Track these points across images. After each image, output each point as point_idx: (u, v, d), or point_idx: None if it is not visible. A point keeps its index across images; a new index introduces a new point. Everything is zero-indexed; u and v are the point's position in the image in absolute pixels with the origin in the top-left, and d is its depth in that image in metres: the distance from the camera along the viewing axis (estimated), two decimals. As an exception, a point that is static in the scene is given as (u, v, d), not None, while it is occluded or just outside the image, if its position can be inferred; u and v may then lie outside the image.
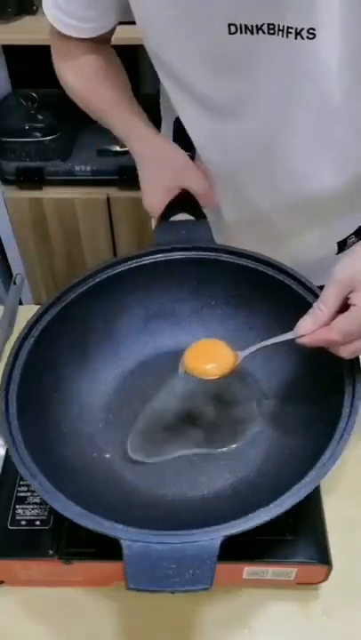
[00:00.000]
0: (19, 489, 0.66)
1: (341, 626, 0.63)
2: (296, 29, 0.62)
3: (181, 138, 0.82)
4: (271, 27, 0.63)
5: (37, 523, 0.63)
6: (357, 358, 0.61)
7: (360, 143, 0.74)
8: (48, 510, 0.64)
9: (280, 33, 0.63)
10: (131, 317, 0.76)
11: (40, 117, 1.59)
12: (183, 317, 0.77)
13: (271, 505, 0.52)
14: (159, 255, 0.74)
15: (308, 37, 0.62)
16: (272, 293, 0.71)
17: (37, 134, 1.58)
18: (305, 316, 0.60)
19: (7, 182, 1.60)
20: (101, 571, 0.62)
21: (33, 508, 0.64)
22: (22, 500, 0.65)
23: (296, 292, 0.69)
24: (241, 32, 0.64)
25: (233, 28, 0.64)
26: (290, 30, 0.62)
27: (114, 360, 0.74)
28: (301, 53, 0.64)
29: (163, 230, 0.76)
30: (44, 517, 0.64)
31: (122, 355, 0.75)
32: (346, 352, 0.58)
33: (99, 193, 1.56)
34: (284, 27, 0.63)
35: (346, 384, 0.60)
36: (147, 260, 0.74)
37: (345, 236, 0.87)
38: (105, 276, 0.72)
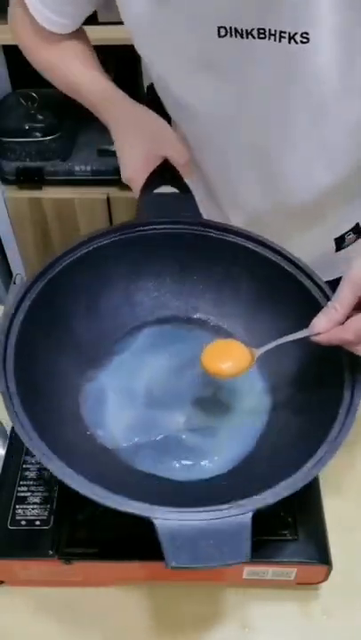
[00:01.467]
0: (19, 489, 0.66)
1: (341, 626, 0.63)
2: (290, 34, 0.62)
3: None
4: (262, 31, 0.63)
5: (37, 523, 0.63)
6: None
7: (352, 142, 0.74)
8: (48, 510, 0.64)
9: (272, 37, 0.63)
10: (114, 290, 0.75)
11: (40, 117, 1.59)
12: (166, 292, 0.77)
13: (292, 478, 0.53)
14: (146, 228, 0.73)
15: (301, 42, 0.62)
16: (258, 270, 0.71)
17: (37, 134, 1.57)
18: (319, 315, 0.59)
19: (7, 182, 1.60)
20: (101, 571, 0.62)
21: (33, 508, 0.64)
22: (22, 500, 0.65)
23: (283, 269, 0.69)
24: (231, 35, 0.64)
25: (223, 31, 0.64)
26: (283, 35, 0.62)
27: (97, 334, 0.73)
28: (295, 57, 0.64)
29: (148, 203, 0.74)
30: (44, 517, 0.64)
31: (104, 329, 0.74)
32: None
33: (99, 193, 1.56)
34: (276, 31, 0.62)
35: (346, 374, 0.60)
36: (133, 233, 0.73)
37: (342, 233, 0.88)
38: (89, 249, 0.71)
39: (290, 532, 0.61)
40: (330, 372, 0.62)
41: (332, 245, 0.89)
